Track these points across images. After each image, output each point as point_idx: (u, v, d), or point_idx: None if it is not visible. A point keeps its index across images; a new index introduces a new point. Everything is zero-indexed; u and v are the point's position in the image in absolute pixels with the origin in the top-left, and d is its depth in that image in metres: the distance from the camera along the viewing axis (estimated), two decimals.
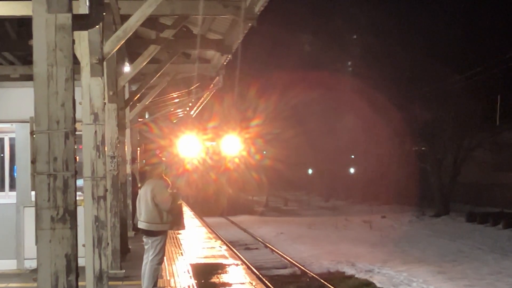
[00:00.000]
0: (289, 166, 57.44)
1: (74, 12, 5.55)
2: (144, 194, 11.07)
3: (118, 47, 9.57)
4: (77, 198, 5.67)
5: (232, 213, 43.84)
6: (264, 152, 51.79)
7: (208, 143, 37.64)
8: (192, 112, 31.60)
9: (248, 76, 47.91)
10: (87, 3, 5.96)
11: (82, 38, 8.86)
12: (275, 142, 53.62)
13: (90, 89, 9.12)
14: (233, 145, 36.11)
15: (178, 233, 20.23)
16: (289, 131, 54.08)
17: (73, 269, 5.44)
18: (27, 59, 16.96)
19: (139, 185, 11.51)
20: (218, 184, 42.19)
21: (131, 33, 9.38)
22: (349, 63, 51.83)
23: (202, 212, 39.63)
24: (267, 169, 54.31)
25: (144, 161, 30.70)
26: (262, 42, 48.63)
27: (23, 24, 15.30)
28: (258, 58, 51.09)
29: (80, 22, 5.85)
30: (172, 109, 30.10)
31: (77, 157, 5.88)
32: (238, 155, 38.79)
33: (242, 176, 43.54)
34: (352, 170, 61.12)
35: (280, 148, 54.53)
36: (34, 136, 5.84)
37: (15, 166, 14.46)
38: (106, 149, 9.61)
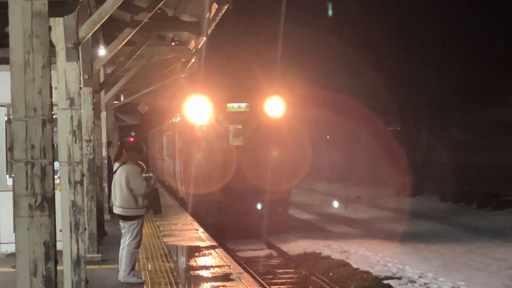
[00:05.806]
0: None
1: None
2: (119, 179, 11.05)
3: (94, 31, 9.53)
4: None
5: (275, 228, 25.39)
6: None
7: (234, 105, 27.17)
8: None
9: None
10: None
11: (57, 23, 8.79)
12: None
13: (66, 73, 9.06)
14: (279, 107, 29.01)
15: None
16: None
17: (52, 257, 5.45)
18: (0, 41, 16.74)
19: (114, 166, 11.47)
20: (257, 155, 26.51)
21: (106, 17, 9.32)
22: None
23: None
24: None
25: (119, 143, 29.95)
26: None
27: None
28: None
29: (56, 9, 5.82)
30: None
31: (55, 144, 5.87)
32: (282, 118, 28.47)
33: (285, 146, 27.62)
34: (326, 150, 60.98)
35: None
36: (10, 123, 5.82)
37: None
38: (82, 133, 9.58)
